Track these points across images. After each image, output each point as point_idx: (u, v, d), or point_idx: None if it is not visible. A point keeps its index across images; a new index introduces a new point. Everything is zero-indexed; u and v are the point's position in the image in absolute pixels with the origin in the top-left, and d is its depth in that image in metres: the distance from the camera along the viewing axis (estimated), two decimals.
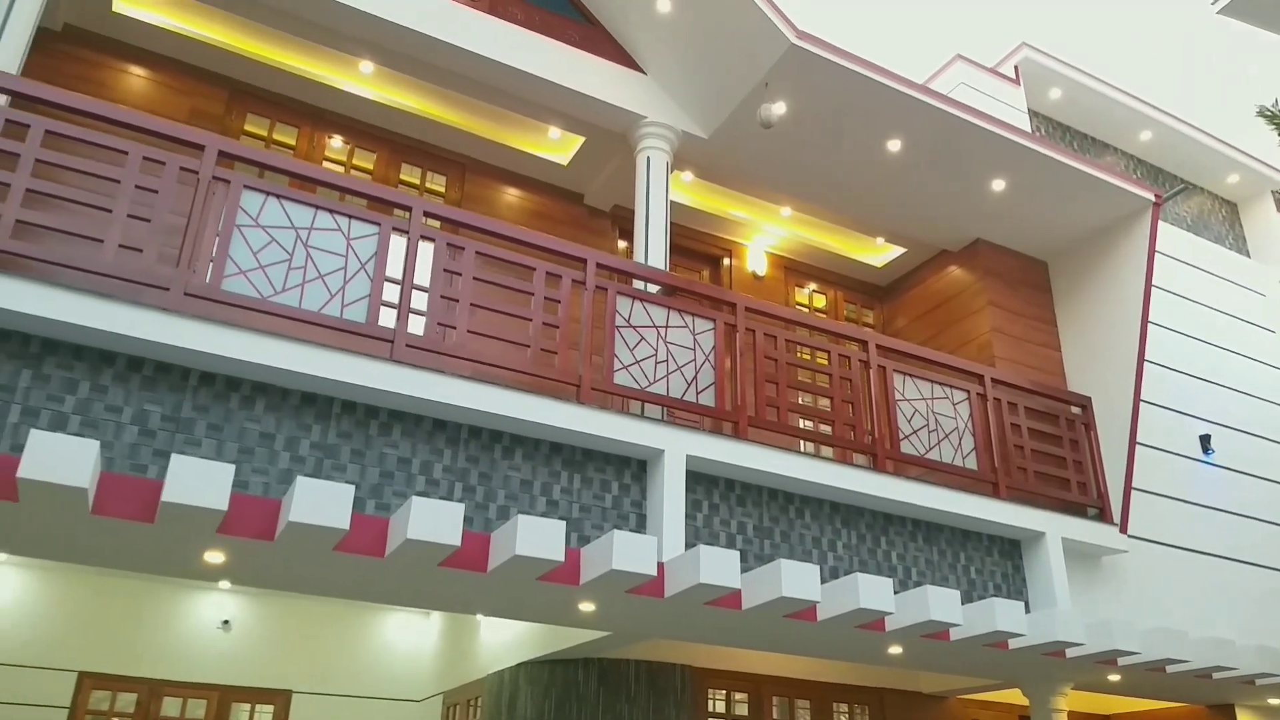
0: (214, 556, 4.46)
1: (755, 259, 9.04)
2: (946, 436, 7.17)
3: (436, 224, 6.09)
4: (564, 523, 4.48)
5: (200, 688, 8.06)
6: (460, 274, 5.64)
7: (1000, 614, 5.57)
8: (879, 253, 9.32)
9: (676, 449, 5.81)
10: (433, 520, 4.21)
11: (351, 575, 4.88)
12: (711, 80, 7.23)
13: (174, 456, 3.82)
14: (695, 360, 6.29)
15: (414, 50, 6.79)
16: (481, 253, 5.77)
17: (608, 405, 5.88)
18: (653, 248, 6.93)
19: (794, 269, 9.28)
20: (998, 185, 7.98)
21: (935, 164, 7.80)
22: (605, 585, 4.76)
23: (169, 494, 3.76)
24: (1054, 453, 7.54)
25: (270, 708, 8.32)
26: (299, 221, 5.34)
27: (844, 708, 7.66)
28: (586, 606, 5.29)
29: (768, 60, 6.82)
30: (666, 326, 6.28)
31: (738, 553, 4.91)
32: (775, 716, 7.37)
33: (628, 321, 6.14)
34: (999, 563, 7.17)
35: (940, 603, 5.38)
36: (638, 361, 6.07)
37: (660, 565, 5.07)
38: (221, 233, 5.11)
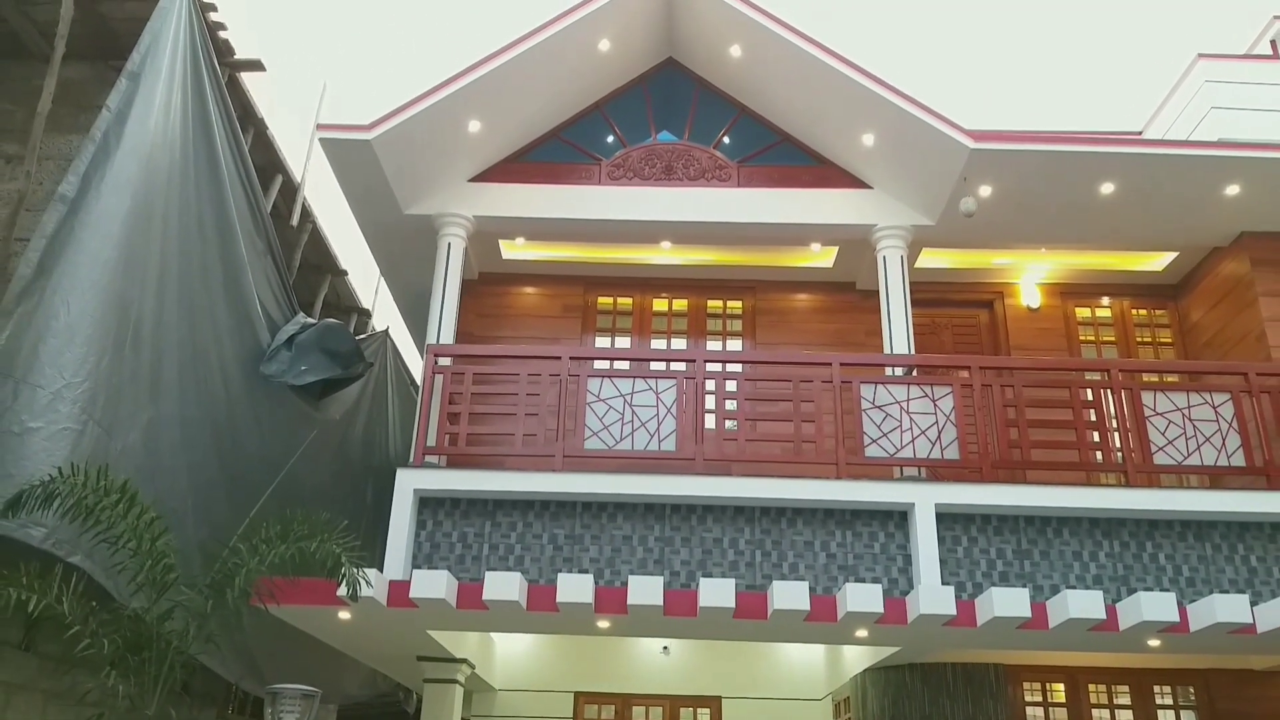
0: (602, 622, 7.18)
1: (1028, 294, 10.05)
2: (1208, 440, 7.79)
3: (726, 365, 8.43)
4: (806, 582, 6.54)
5: (656, 698, 11.05)
6: (735, 399, 7.91)
7: (1221, 608, 6.41)
8: (1154, 258, 9.76)
9: (925, 501, 7.48)
10: (717, 591, 6.52)
11: (684, 627, 7.32)
12: (922, 182, 8.72)
13: (561, 576, 6.57)
14: (937, 422, 7.86)
15: (695, 229, 9.26)
16: (749, 378, 8.01)
17: (862, 476, 7.71)
18: (895, 334, 8.57)
19: (1072, 292, 10.08)
20: (1232, 190, 8.32)
21: (1159, 190, 8.40)
22: (854, 620, 6.68)
23: (561, 597, 6.50)
24: None
25: (708, 711, 11.09)
26: (623, 390, 8.00)
27: (1166, 690, 8.43)
28: (861, 633, 7.19)
29: (958, 163, 8.20)
30: (908, 399, 7.95)
31: (951, 588, 6.60)
32: (1093, 703, 8.42)
33: (873, 403, 7.93)
34: None
35: (1153, 605, 6.41)
36: (885, 434, 7.82)
37: (902, 601, 6.83)
38: (578, 410, 7.92)
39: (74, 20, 7.33)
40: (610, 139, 9.58)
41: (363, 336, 10.69)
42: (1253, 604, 6.60)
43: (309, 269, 11.16)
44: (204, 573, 6.15)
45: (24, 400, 5.67)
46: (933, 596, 6.52)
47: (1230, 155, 8.06)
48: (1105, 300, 10.16)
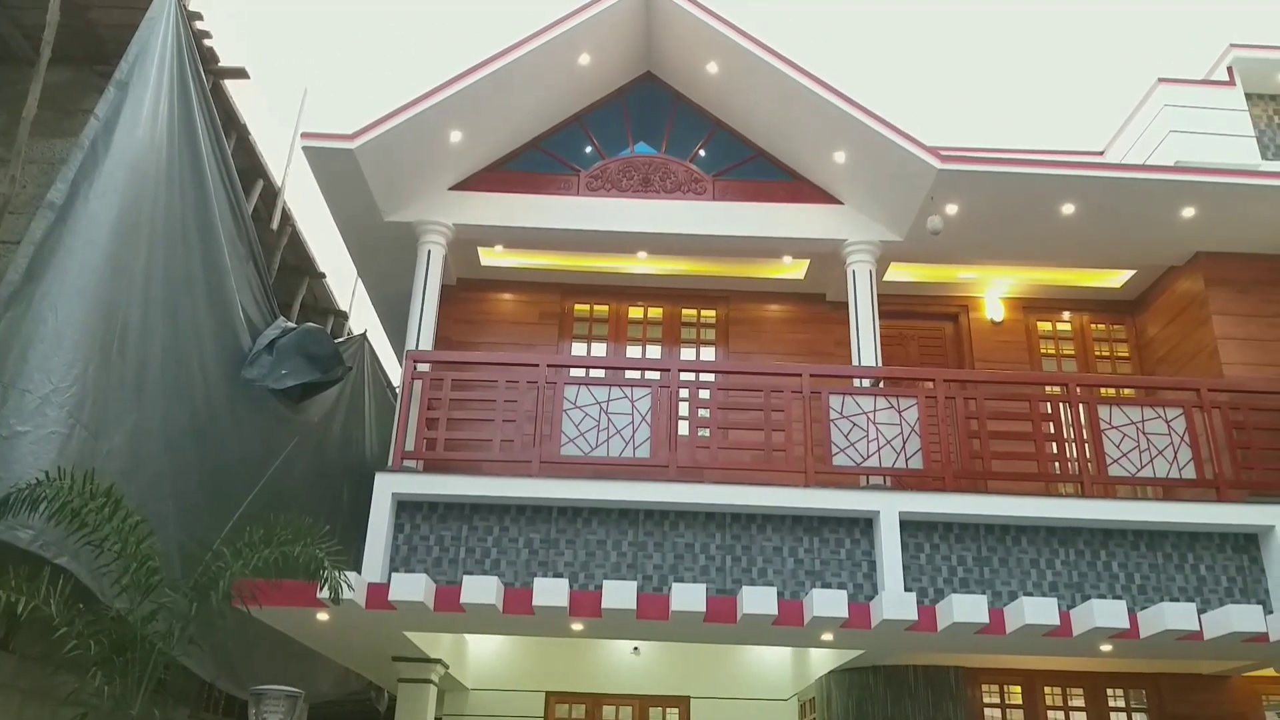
0: (576, 625, 7.37)
1: (992, 308, 10.37)
2: (1160, 453, 8.11)
3: (695, 375, 8.64)
4: (774, 588, 6.77)
5: (626, 697, 11.25)
6: (708, 407, 8.13)
7: (1170, 615, 6.72)
8: (1113, 275, 10.10)
9: (889, 509, 7.73)
10: (688, 596, 6.74)
11: (656, 630, 7.55)
12: (891, 199, 8.99)
13: (536, 580, 6.76)
14: (903, 432, 8.12)
15: (671, 241, 9.49)
16: (722, 387, 8.24)
17: (829, 484, 7.96)
18: (864, 345, 8.83)
19: (1033, 306, 10.41)
20: (1188, 212, 8.66)
21: (1118, 211, 8.72)
22: (820, 624, 6.92)
23: (537, 600, 6.69)
24: None
25: (676, 710, 11.30)
26: (599, 397, 8.19)
27: (1119, 692, 8.76)
28: (827, 636, 7.44)
29: (926, 182, 8.48)
30: (875, 410, 8.21)
31: (914, 594, 6.85)
32: (1049, 705, 8.73)
33: (840, 414, 8.18)
34: (1232, 558, 7.90)
35: (1105, 612, 6.70)
36: (852, 444, 8.07)
37: (866, 606, 7.08)
38: (554, 417, 8.10)
39: (59, 25, 7.40)
40: (589, 150, 9.77)
41: (341, 340, 10.81)
42: (1200, 612, 6.91)
43: (287, 271, 11.26)
44: (185, 574, 6.27)
45: (12, 404, 5.77)
46: (895, 602, 6.78)
47: (1187, 179, 8.39)
48: (1065, 315, 10.50)
